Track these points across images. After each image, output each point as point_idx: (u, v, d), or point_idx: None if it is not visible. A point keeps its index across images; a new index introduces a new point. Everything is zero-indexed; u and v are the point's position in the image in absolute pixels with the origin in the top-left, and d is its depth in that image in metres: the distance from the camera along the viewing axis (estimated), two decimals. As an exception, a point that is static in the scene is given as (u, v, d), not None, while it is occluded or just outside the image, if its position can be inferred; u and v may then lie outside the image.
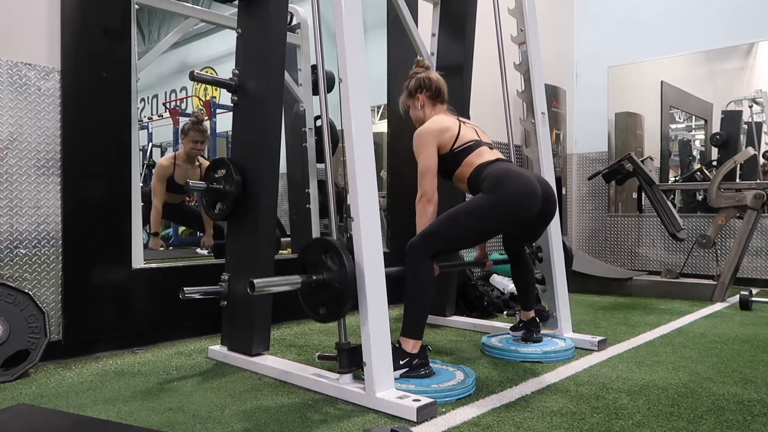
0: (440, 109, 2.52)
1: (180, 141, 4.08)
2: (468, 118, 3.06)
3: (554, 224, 2.91)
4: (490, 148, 2.42)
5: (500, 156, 2.40)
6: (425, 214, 2.29)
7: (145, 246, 3.81)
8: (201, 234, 4.64)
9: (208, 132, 4.09)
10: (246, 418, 1.80)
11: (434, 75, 2.54)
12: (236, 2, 2.52)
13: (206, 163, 4.19)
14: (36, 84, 2.45)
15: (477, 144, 2.39)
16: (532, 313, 2.71)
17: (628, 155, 4.77)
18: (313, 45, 2.67)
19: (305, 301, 2.06)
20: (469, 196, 2.43)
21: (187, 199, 4.36)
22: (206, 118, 6.65)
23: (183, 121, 4.90)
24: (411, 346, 2.12)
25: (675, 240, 4.74)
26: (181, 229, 6.35)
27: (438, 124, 2.39)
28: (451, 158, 2.37)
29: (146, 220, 3.90)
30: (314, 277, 1.98)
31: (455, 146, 2.36)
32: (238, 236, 2.51)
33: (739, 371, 2.32)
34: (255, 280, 1.89)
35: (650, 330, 3.16)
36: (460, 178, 2.40)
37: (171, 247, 6.16)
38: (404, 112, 2.64)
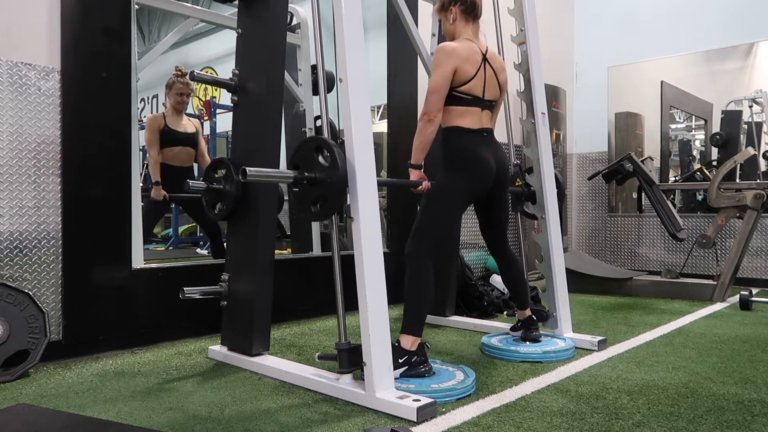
0: (472, 29, 2.45)
1: (165, 95, 3.99)
2: None
3: (554, 224, 2.92)
4: (483, 109, 2.40)
5: (485, 124, 2.42)
6: (424, 132, 2.31)
7: (147, 197, 3.66)
8: (201, 234, 4.62)
9: (192, 84, 3.98)
10: (246, 418, 1.80)
11: None
12: (236, 2, 2.52)
13: (194, 120, 4.13)
14: (36, 84, 2.45)
15: (475, 101, 2.37)
16: (528, 312, 2.71)
17: (628, 155, 4.77)
18: (313, 45, 2.67)
19: (297, 199, 2.07)
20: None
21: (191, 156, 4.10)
22: (205, 116, 6.65)
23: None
24: (410, 343, 2.13)
25: (675, 240, 4.74)
26: (181, 229, 6.36)
27: (466, 52, 2.33)
28: (447, 95, 2.34)
29: (146, 223, 3.80)
30: (306, 174, 2.00)
31: (458, 89, 2.33)
32: (238, 236, 2.51)
33: (739, 371, 2.32)
34: (248, 168, 1.89)
35: (650, 330, 3.16)
36: (441, 118, 2.38)
37: (171, 247, 6.18)
38: (435, 28, 2.57)
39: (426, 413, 1.78)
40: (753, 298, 3.81)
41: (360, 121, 1.98)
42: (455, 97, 2.34)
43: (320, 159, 1.98)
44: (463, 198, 2.39)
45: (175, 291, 2.38)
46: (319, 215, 2.04)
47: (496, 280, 4.03)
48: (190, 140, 3.92)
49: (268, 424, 1.75)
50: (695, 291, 4.31)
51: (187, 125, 3.95)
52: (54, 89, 2.49)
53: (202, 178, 2.57)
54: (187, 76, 3.89)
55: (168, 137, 3.84)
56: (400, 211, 3.93)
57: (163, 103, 4.28)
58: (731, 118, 5.40)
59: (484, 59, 2.39)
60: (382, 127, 4.49)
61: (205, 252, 5.51)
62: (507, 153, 3.00)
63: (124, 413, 1.84)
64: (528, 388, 2.10)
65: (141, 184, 3.03)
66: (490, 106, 2.45)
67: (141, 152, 4.13)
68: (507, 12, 3.09)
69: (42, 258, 2.46)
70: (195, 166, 4.10)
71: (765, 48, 5.14)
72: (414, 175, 2.38)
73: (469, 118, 2.37)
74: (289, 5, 3.61)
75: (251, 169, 1.91)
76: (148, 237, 4.46)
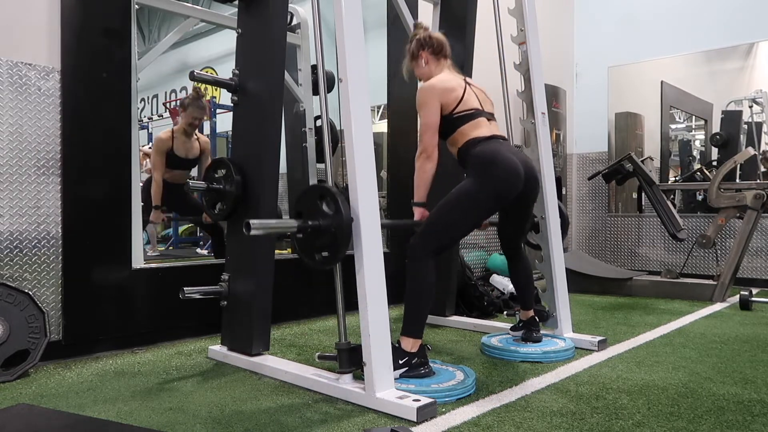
0: (445, 65, 2.50)
1: (179, 115, 4.02)
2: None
3: (554, 224, 2.92)
4: (489, 120, 2.41)
5: (496, 131, 2.40)
6: (424, 170, 2.30)
7: (147, 220, 3.72)
8: (201, 234, 4.63)
9: (207, 109, 4.00)
10: (246, 418, 1.80)
11: (435, 33, 2.53)
12: (236, 2, 2.52)
13: (203, 138, 4.15)
14: (36, 84, 2.45)
15: (477, 113, 2.37)
16: (531, 313, 2.71)
17: (628, 155, 4.77)
18: (313, 45, 2.67)
19: (301, 247, 2.06)
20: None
21: (189, 178, 4.15)
22: (206, 96, 6.64)
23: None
24: (410, 345, 2.12)
25: (675, 240, 4.74)
26: (181, 229, 6.36)
27: (444, 83, 2.37)
28: (449, 122, 2.36)
29: (146, 223, 3.83)
30: (310, 222, 1.99)
31: (456, 111, 2.35)
32: (238, 236, 2.51)
33: (739, 371, 2.32)
34: (251, 221, 1.89)
35: (650, 330, 3.16)
36: (453, 144, 2.41)
37: (171, 247, 6.18)
38: (409, 77, 2.62)
39: (426, 413, 1.78)
40: (753, 298, 3.81)
41: (360, 121, 1.98)
42: (457, 118, 2.35)
43: (324, 206, 1.97)
44: (488, 205, 2.25)
45: (175, 291, 2.37)
46: (324, 263, 2.01)
47: (496, 280, 4.03)
48: (192, 164, 3.99)
49: (268, 424, 1.75)
50: (695, 291, 4.31)
51: (193, 149, 3.98)
52: (54, 89, 2.49)
53: (202, 178, 2.57)
54: (204, 99, 3.93)
55: (172, 160, 3.90)
56: (400, 211, 3.93)
57: (174, 123, 4.29)
58: (731, 118, 5.40)
59: (466, 83, 2.43)
60: (382, 127, 4.49)
61: (205, 252, 5.50)
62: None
63: (124, 413, 1.84)
64: (528, 388, 2.10)
65: (141, 184, 3.03)
66: (492, 117, 2.46)
67: (141, 152, 4.13)
68: (507, 12, 3.09)
69: (42, 258, 2.46)
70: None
71: (765, 48, 5.14)
72: (418, 213, 2.37)
73: (480, 129, 2.35)
74: (289, 5, 3.61)
75: (255, 221, 1.89)
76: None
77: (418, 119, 2.37)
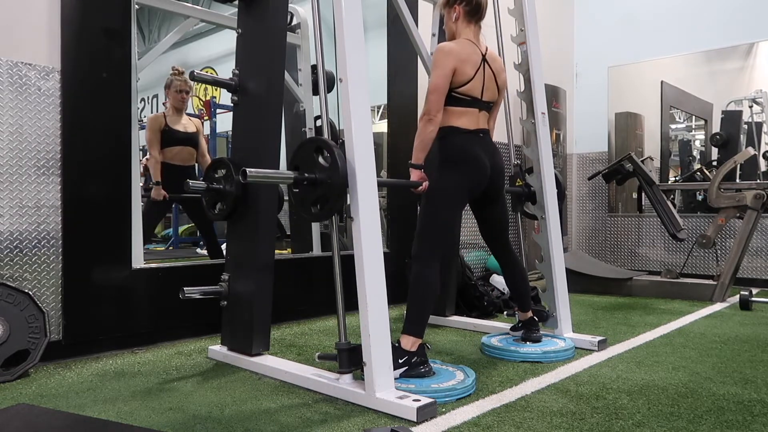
0: (473, 30, 2.44)
1: (165, 95, 4.00)
2: None
3: (554, 224, 2.92)
4: (480, 110, 2.41)
5: (480, 125, 2.42)
6: (424, 132, 2.30)
7: (147, 197, 3.68)
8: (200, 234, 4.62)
9: (191, 82, 3.98)
10: (246, 418, 1.80)
11: None
12: (236, 2, 2.52)
13: (195, 119, 4.12)
14: (36, 84, 2.45)
15: (472, 103, 2.37)
16: (529, 314, 2.71)
17: (628, 155, 4.77)
18: (313, 45, 2.67)
19: (297, 199, 2.07)
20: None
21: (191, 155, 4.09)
22: (205, 116, 6.65)
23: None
24: (410, 344, 2.12)
25: (675, 240, 4.73)
26: (181, 229, 6.36)
27: (466, 52, 2.33)
28: (447, 95, 2.34)
29: (146, 223, 3.80)
30: (306, 175, 2.00)
31: (457, 89, 2.33)
32: (238, 236, 2.51)
33: (739, 371, 2.32)
34: (248, 169, 1.89)
35: (650, 330, 3.16)
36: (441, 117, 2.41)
37: (171, 247, 6.18)
38: (439, 18, 2.59)
39: (426, 413, 1.78)
40: (753, 298, 3.81)
41: (360, 121, 1.98)
42: (454, 97, 2.34)
43: (320, 160, 1.98)
44: (460, 195, 2.38)
45: (175, 291, 2.37)
46: (319, 216, 2.04)
47: (496, 280, 4.03)
48: (191, 140, 3.93)
49: (268, 424, 1.75)
50: (695, 291, 4.31)
51: (188, 125, 3.96)
52: (54, 89, 2.49)
53: (202, 178, 2.57)
54: (185, 74, 3.90)
55: (168, 137, 3.84)
56: (400, 211, 3.93)
57: (163, 103, 4.28)
58: (731, 118, 5.40)
59: (484, 60, 2.39)
60: (382, 127, 4.49)
61: (205, 252, 5.51)
62: (507, 153, 3.01)
63: (124, 413, 1.84)
64: (528, 388, 2.10)
65: (141, 184, 3.03)
66: (488, 107, 2.45)
67: (141, 152, 4.12)
68: (507, 12, 3.09)
69: (42, 258, 2.46)
70: (195, 165, 4.11)
71: (765, 48, 5.14)
72: (414, 175, 2.38)
73: (465, 119, 2.37)
74: (289, 5, 3.61)
75: (251, 170, 1.91)
76: (149, 237, 4.46)
77: (430, 78, 2.35)
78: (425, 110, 2.30)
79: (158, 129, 3.80)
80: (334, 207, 1.98)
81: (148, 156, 3.91)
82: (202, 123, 4.32)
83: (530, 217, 3.07)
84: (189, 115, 4.15)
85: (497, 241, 2.68)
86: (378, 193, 2.07)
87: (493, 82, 2.44)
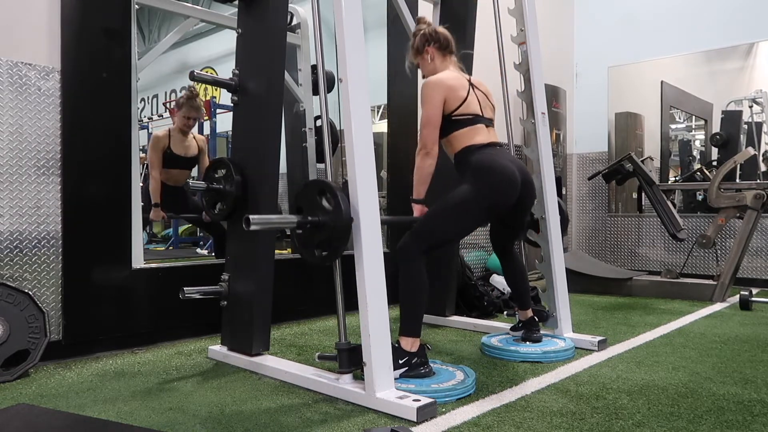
0: (450, 61, 2.48)
1: (174, 114, 4.01)
2: None
3: (554, 224, 2.91)
4: (487, 126, 2.40)
5: (493, 138, 2.39)
6: (423, 166, 2.29)
7: (147, 219, 3.71)
8: (201, 234, 4.63)
9: (201, 108, 4.00)
10: (246, 418, 1.80)
11: (440, 28, 2.51)
12: (236, 2, 2.52)
13: (200, 137, 4.14)
14: (36, 84, 2.45)
15: (476, 119, 2.36)
16: (529, 312, 2.70)
17: (628, 155, 4.77)
18: (313, 45, 2.67)
19: (300, 242, 2.05)
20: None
21: (189, 178, 4.14)
22: (200, 95, 6.66)
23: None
24: (410, 344, 2.12)
25: (675, 240, 4.73)
26: (181, 228, 6.36)
27: (451, 80, 2.35)
28: (447, 123, 2.34)
29: (146, 223, 3.84)
30: (310, 218, 1.98)
31: (456, 113, 2.33)
32: (238, 236, 2.51)
33: (739, 371, 2.32)
34: (251, 216, 1.88)
35: (650, 330, 3.16)
36: (448, 146, 2.40)
37: (171, 247, 6.18)
38: (411, 71, 2.61)
39: (426, 413, 1.78)
40: (753, 298, 3.81)
41: (360, 121, 1.98)
42: (456, 121, 2.33)
43: (324, 202, 1.97)
44: (481, 215, 2.26)
45: (175, 291, 2.37)
46: (323, 260, 2.00)
47: (496, 280, 4.03)
48: (190, 163, 3.96)
49: (268, 424, 1.75)
50: (695, 291, 4.31)
51: (191, 147, 3.97)
52: (54, 89, 2.49)
53: (202, 178, 2.57)
54: (198, 99, 3.92)
55: (168, 159, 3.88)
56: (400, 211, 3.93)
57: (170, 109, 4.31)
58: (731, 118, 5.40)
59: (471, 85, 2.41)
60: (382, 127, 4.49)
61: (205, 252, 5.51)
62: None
63: (124, 413, 1.84)
64: (528, 388, 2.10)
65: (141, 184, 3.03)
66: (491, 123, 2.45)
67: (141, 152, 4.14)
68: (507, 12, 3.09)
69: (42, 258, 2.46)
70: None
71: (765, 48, 5.14)
72: (417, 210, 2.36)
73: (477, 136, 2.34)
74: (289, 5, 3.61)
75: (254, 217, 1.89)
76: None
77: (419, 114, 2.36)
78: (421, 144, 2.30)
79: (161, 149, 3.84)
80: (338, 251, 1.96)
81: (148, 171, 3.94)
82: (207, 141, 4.34)
83: (533, 244, 3.01)
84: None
85: (507, 246, 2.68)
86: (378, 193, 2.07)
87: (486, 101, 2.47)
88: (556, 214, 2.95)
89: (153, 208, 3.78)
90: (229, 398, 2.00)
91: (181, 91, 8.79)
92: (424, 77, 2.49)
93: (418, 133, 2.32)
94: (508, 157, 2.35)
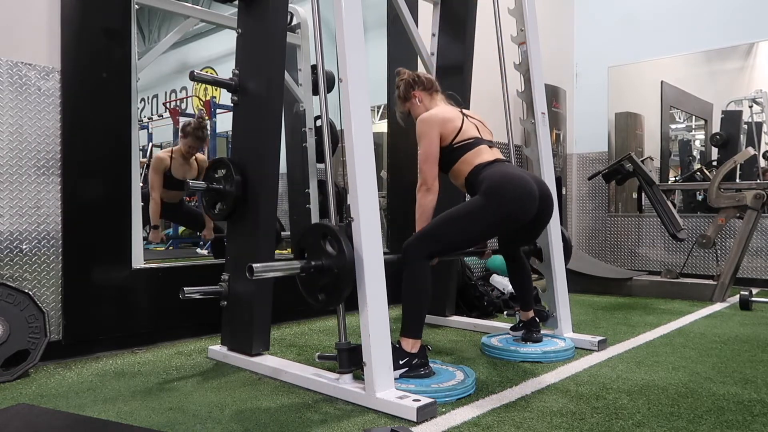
0: (438, 98, 2.53)
1: (179, 138, 4.10)
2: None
3: (554, 224, 2.91)
4: (490, 147, 2.41)
5: (499, 156, 2.39)
6: (424, 202, 2.29)
7: (145, 239, 3.80)
8: (201, 234, 4.65)
9: (208, 136, 4.12)
10: (246, 418, 1.80)
11: (420, 72, 2.57)
12: (236, 2, 2.52)
13: (201, 157, 4.20)
14: (36, 84, 2.45)
15: (477, 142, 2.37)
16: (531, 313, 2.71)
17: (628, 155, 4.77)
18: (313, 45, 2.67)
19: (304, 287, 2.06)
20: (467, 197, 2.42)
21: (187, 199, 4.35)
22: (207, 118, 6.68)
23: (183, 120, 4.89)
24: (410, 345, 2.12)
25: (675, 240, 4.73)
26: (181, 228, 6.35)
27: (442, 114, 2.38)
28: (449, 152, 2.35)
29: (146, 220, 3.87)
30: (313, 263, 1.99)
31: (455, 141, 2.35)
32: (238, 236, 2.51)
33: (739, 371, 2.32)
34: (254, 265, 1.88)
35: (650, 330, 3.16)
36: (457, 175, 2.39)
37: (171, 247, 6.18)
38: (404, 120, 2.64)
39: (426, 413, 1.78)
40: (753, 298, 3.81)
41: (360, 121, 1.98)
42: (457, 148, 2.34)
43: (327, 246, 1.97)
44: (492, 228, 2.21)
45: (175, 291, 2.37)
46: (326, 304, 2.00)
47: (496, 280, 4.03)
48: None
49: (268, 424, 1.75)
50: (695, 291, 4.31)
51: (192, 170, 4.07)
52: (54, 89, 2.49)
53: (201, 179, 2.57)
54: (206, 129, 4.01)
55: (168, 181, 3.99)
56: (400, 211, 3.93)
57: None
58: (731, 118, 5.40)
59: (463, 114, 2.43)
60: (382, 127, 4.48)
61: (205, 252, 5.50)
62: (507, 153, 3.01)
63: (124, 413, 1.84)
64: (528, 388, 2.10)
65: (141, 184, 3.03)
66: (492, 144, 2.45)
67: (141, 152, 4.16)
68: (507, 12, 3.09)
69: (42, 258, 2.46)
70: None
71: (765, 48, 5.14)
72: None
73: (482, 155, 2.34)
74: (289, 5, 3.61)
75: (257, 265, 1.89)
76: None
77: (419, 150, 2.37)
78: (421, 181, 2.30)
79: (162, 171, 3.94)
80: (342, 296, 1.95)
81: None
82: (208, 157, 4.42)
83: (535, 272, 3.00)
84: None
85: (514, 249, 2.67)
86: (378, 193, 2.07)
87: (483, 126, 2.49)
88: (557, 215, 2.94)
89: (152, 231, 3.90)
90: (229, 398, 2.00)
91: (181, 91, 8.80)
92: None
93: (418, 169, 2.32)
94: (521, 169, 2.35)
